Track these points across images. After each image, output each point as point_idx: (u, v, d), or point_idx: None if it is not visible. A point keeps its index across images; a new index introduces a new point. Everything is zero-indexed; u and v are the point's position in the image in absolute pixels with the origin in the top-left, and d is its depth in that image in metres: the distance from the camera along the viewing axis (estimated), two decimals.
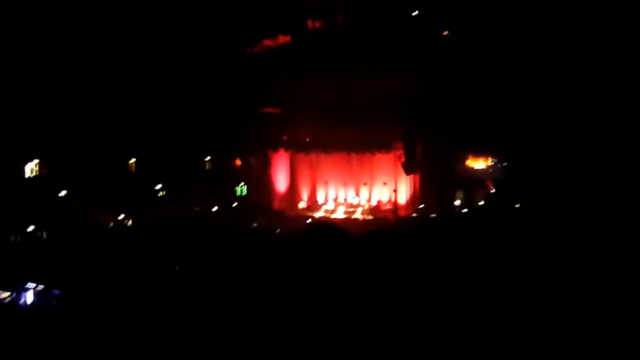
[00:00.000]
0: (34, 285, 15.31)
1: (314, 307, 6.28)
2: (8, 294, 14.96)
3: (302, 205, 36.39)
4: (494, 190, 31.53)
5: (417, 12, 31.45)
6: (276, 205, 37.09)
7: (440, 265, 7.08)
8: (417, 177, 33.50)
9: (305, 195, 37.71)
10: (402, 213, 33.32)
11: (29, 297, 15.26)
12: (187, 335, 9.17)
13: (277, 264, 7.93)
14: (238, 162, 37.82)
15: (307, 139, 35.54)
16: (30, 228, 24.09)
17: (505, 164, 32.30)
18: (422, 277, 6.53)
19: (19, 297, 15.17)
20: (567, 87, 26.83)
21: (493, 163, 33.05)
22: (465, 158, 33.51)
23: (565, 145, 26.61)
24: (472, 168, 33.46)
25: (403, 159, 32.40)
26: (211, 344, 8.48)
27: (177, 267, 20.08)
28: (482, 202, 31.44)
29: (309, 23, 32.53)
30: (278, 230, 24.65)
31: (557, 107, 27.12)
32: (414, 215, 32.47)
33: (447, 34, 31.71)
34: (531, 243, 9.15)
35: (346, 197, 36.31)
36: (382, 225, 29.76)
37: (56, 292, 15.10)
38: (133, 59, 29.58)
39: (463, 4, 29.54)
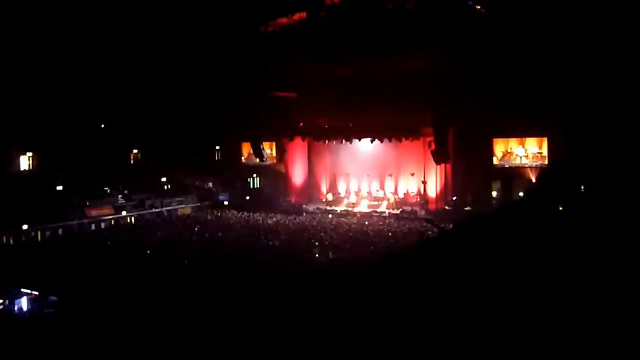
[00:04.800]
0: (29, 291, 15.08)
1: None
2: (0, 301, 14.68)
3: (330, 197, 35.76)
4: (535, 180, 30.57)
5: None
6: (294, 199, 36.83)
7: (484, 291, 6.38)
8: (449, 167, 32.49)
9: (324, 187, 37.26)
10: (432, 207, 32.58)
11: (23, 305, 14.97)
12: (186, 342, 9.03)
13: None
14: (250, 151, 37.44)
15: (326, 126, 34.74)
16: (25, 227, 23.83)
17: (549, 150, 31.10)
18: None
19: (12, 304, 14.91)
20: (618, 63, 25.68)
21: (534, 149, 31.95)
22: (502, 144, 32.48)
23: (622, 130, 25.37)
24: (510, 155, 32.45)
25: (433, 147, 31.10)
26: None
27: (186, 262, 19.95)
28: (522, 194, 30.46)
29: None
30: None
31: (609, 85, 25.92)
32: (447, 208, 31.71)
33: (481, 8, 30.69)
34: (587, 247, 8.16)
35: (370, 189, 35.82)
36: (409, 222, 29.37)
37: (53, 299, 14.88)
38: (137, 38, 29.22)
39: None
